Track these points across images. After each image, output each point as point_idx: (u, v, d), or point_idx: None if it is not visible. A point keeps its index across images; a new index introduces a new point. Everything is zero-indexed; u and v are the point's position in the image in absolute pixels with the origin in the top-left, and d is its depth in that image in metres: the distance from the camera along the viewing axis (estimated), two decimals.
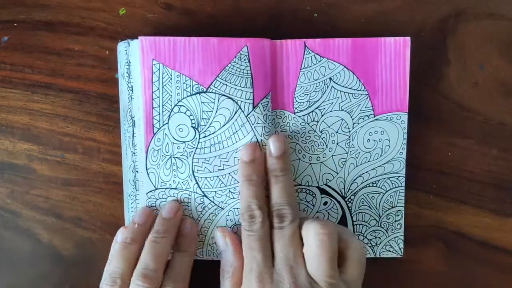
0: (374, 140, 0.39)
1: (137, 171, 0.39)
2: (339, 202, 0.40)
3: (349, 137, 0.39)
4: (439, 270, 0.41)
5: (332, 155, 0.39)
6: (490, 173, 0.40)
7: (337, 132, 0.39)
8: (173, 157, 0.38)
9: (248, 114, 0.38)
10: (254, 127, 0.38)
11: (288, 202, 0.36)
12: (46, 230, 0.40)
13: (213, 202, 0.39)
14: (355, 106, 0.39)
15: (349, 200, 0.40)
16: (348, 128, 0.39)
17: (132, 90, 0.38)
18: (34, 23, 0.39)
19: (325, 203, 0.40)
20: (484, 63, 0.40)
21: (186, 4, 0.39)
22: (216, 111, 0.38)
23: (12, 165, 0.40)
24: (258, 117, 0.38)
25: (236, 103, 0.38)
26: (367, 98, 0.39)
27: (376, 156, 0.39)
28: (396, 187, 0.39)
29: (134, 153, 0.39)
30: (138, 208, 0.39)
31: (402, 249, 0.40)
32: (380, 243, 0.40)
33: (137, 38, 0.38)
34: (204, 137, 0.38)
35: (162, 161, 0.38)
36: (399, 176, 0.39)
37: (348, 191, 0.40)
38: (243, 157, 0.37)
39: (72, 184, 0.40)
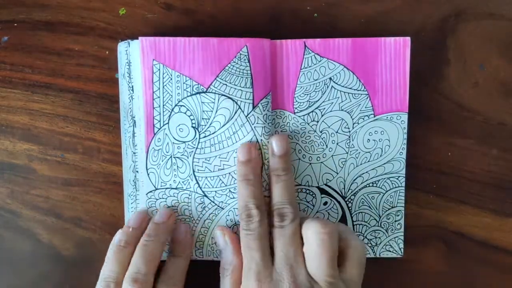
0: (374, 140, 0.39)
1: (137, 171, 0.39)
2: (339, 202, 0.40)
3: (349, 137, 0.39)
4: (439, 270, 0.41)
5: (332, 155, 0.39)
6: (490, 173, 0.40)
7: (337, 132, 0.39)
8: (174, 157, 0.38)
9: (248, 114, 0.38)
10: (254, 127, 0.38)
11: (289, 201, 0.36)
12: (46, 230, 0.40)
13: (213, 202, 0.39)
14: (355, 106, 0.39)
15: (349, 200, 0.40)
16: (348, 128, 0.39)
17: (132, 90, 0.38)
18: (34, 23, 0.39)
19: (325, 203, 0.40)
20: (484, 63, 0.40)
21: (186, 4, 0.39)
22: (216, 111, 0.38)
23: (12, 165, 0.40)
24: (258, 117, 0.38)
25: (236, 103, 0.38)
26: (367, 98, 0.39)
27: (376, 156, 0.39)
28: (396, 187, 0.39)
29: (134, 153, 0.39)
30: (138, 208, 0.39)
31: (402, 249, 0.40)
32: (380, 243, 0.40)
33: (137, 38, 0.38)
34: (204, 137, 0.38)
35: (162, 161, 0.38)
36: (399, 176, 0.39)
37: (348, 191, 0.40)
38: (240, 157, 0.37)
39: (72, 184, 0.40)
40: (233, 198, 0.39)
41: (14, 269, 0.40)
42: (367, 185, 0.39)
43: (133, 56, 0.38)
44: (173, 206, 0.39)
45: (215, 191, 0.39)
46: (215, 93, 0.38)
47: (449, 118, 0.40)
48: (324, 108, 0.39)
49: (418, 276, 0.41)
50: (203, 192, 0.39)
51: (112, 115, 0.40)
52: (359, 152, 0.39)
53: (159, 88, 0.38)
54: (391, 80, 0.38)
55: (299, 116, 0.39)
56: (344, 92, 0.39)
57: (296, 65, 0.38)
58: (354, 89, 0.39)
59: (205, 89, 0.38)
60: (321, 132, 0.39)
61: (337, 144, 0.39)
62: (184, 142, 0.38)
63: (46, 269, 0.41)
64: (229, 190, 0.39)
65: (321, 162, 0.39)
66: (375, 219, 0.40)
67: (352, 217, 0.40)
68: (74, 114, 0.40)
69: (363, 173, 0.39)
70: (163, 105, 0.38)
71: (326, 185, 0.39)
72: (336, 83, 0.39)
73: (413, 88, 0.39)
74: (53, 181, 0.40)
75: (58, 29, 0.39)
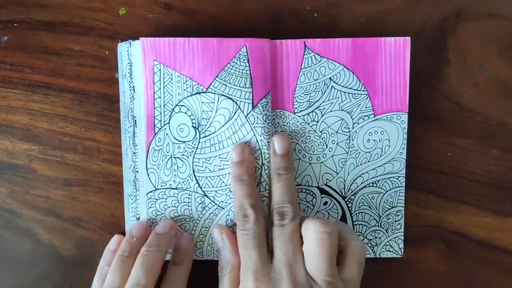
0: (374, 140, 0.39)
1: (137, 171, 0.39)
2: (339, 202, 0.40)
3: (349, 137, 0.39)
4: (439, 270, 0.41)
5: (332, 155, 0.39)
6: (490, 173, 0.40)
7: (337, 132, 0.39)
8: (174, 157, 0.38)
9: (247, 114, 0.38)
10: (254, 127, 0.38)
11: (290, 200, 0.36)
12: (46, 230, 0.40)
13: (213, 201, 0.39)
14: (355, 106, 0.39)
15: (349, 200, 0.40)
16: (348, 128, 0.39)
17: (134, 90, 0.38)
18: (34, 23, 0.39)
19: (325, 203, 0.40)
20: (484, 63, 0.40)
21: (186, 4, 0.39)
22: (216, 111, 0.38)
23: (12, 165, 0.40)
24: (257, 117, 0.38)
25: (236, 103, 0.38)
26: (367, 98, 0.39)
27: (376, 156, 0.39)
28: (396, 187, 0.39)
29: (134, 153, 0.39)
30: (138, 208, 0.39)
31: (402, 249, 0.40)
32: (380, 243, 0.40)
33: (137, 38, 0.38)
34: (205, 137, 0.38)
35: (162, 161, 0.38)
36: (399, 176, 0.39)
37: (348, 191, 0.40)
38: (233, 158, 0.38)
39: (72, 184, 0.40)
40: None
41: (14, 269, 0.40)
42: (367, 185, 0.39)
43: (135, 56, 0.38)
44: (173, 206, 0.39)
45: (215, 191, 0.39)
46: (214, 93, 0.38)
47: (449, 118, 0.40)
48: (324, 108, 0.39)
49: (418, 276, 0.41)
50: (203, 192, 0.39)
51: (112, 115, 0.40)
52: (359, 152, 0.39)
53: (160, 88, 0.38)
54: (391, 80, 0.38)
55: (299, 116, 0.39)
56: (344, 92, 0.39)
57: (296, 65, 0.38)
58: (354, 89, 0.39)
59: (205, 89, 0.38)
60: (321, 132, 0.39)
61: (337, 144, 0.39)
62: (185, 142, 0.38)
63: (46, 269, 0.41)
64: (229, 190, 0.39)
65: (321, 162, 0.39)
66: (375, 219, 0.40)
67: (352, 217, 0.40)
68: (74, 114, 0.40)
69: (363, 173, 0.39)
70: (164, 105, 0.38)
71: (326, 185, 0.39)
72: (336, 83, 0.39)
73: (413, 88, 0.39)
74: (53, 181, 0.40)
75: (58, 29, 0.39)
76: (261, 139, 0.38)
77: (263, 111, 0.38)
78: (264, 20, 0.39)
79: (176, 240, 0.39)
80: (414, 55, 0.38)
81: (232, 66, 0.37)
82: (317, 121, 0.39)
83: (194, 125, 0.38)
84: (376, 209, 0.40)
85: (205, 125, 0.38)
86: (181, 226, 0.39)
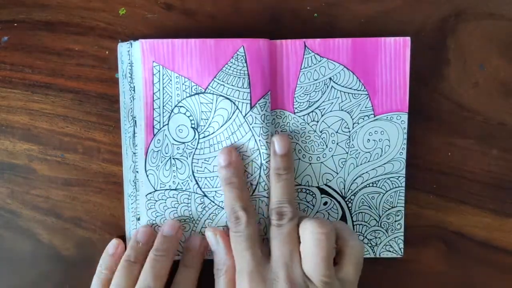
0: (374, 140, 0.39)
1: (137, 171, 0.39)
2: (339, 202, 0.40)
3: (349, 137, 0.39)
4: (439, 270, 0.41)
5: (332, 155, 0.39)
6: (490, 173, 0.40)
7: (337, 132, 0.39)
8: (173, 158, 0.38)
9: (245, 114, 0.38)
10: (252, 127, 0.38)
11: (288, 200, 0.36)
12: (46, 230, 0.40)
13: (213, 202, 0.39)
14: (355, 106, 0.39)
15: (349, 200, 0.40)
16: (348, 128, 0.39)
17: (134, 90, 0.38)
18: (34, 23, 0.39)
19: (325, 203, 0.40)
20: (484, 63, 0.40)
21: (186, 4, 0.39)
22: (215, 112, 0.38)
23: (12, 165, 0.40)
24: (255, 117, 0.38)
25: (234, 103, 0.38)
26: (367, 98, 0.39)
27: (376, 156, 0.39)
28: (396, 187, 0.39)
29: (134, 153, 0.39)
30: (138, 209, 0.39)
31: (402, 249, 0.40)
32: (380, 243, 0.40)
33: (137, 38, 0.38)
34: (204, 137, 0.38)
35: (161, 162, 0.38)
36: (399, 176, 0.39)
37: (348, 191, 0.40)
38: (220, 162, 0.38)
39: (72, 184, 0.40)
40: None
41: (14, 269, 0.41)
42: (367, 185, 0.39)
43: (135, 57, 0.38)
44: (173, 207, 0.39)
45: (215, 191, 0.39)
46: (213, 93, 0.38)
47: (449, 118, 0.40)
48: (324, 108, 0.39)
49: (418, 276, 0.41)
50: (203, 192, 0.39)
51: (112, 115, 0.40)
52: (359, 152, 0.39)
53: (159, 90, 0.38)
54: (391, 80, 0.38)
55: (299, 116, 0.39)
56: (344, 92, 0.39)
57: (296, 65, 0.38)
58: (354, 89, 0.39)
59: (203, 90, 0.38)
60: (321, 132, 0.39)
61: (337, 144, 0.39)
62: (184, 142, 0.38)
63: (46, 269, 0.41)
64: None
65: (321, 162, 0.39)
66: (375, 219, 0.40)
67: (352, 217, 0.40)
68: (74, 114, 0.40)
69: (363, 173, 0.39)
70: (163, 106, 0.38)
71: (326, 185, 0.39)
72: (336, 83, 0.38)
73: (413, 88, 0.39)
74: (53, 181, 0.40)
75: (58, 29, 0.39)
76: (259, 139, 0.38)
77: (262, 111, 0.38)
78: (264, 20, 0.39)
79: (188, 242, 0.39)
80: (414, 55, 0.38)
81: (230, 66, 0.37)
82: (317, 121, 0.39)
83: (193, 125, 0.38)
84: (376, 209, 0.40)
85: (204, 126, 0.38)
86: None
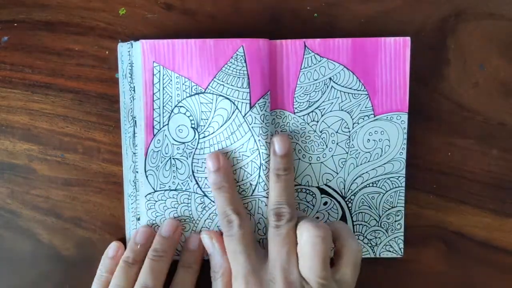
0: (374, 140, 0.39)
1: (137, 172, 0.39)
2: (339, 202, 0.40)
3: (349, 137, 0.39)
4: (439, 270, 0.41)
5: (332, 155, 0.39)
6: (490, 173, 0.40)
7: (337, 132, 0.39)
8: (173, 158, 0.38)
9: (245, 114, 0.38)
10: (252, 127, 0.38)
11: (287, 201, 0.36)
12: (46, 230, 0.40)
13: (213, 202, 0.39)
14: (355, 106, 0.39)
15: (349, 200, 0.40)
16: (348, 128, 0.39)
17: (134, 90, 0.38)
18: (34, 23, 0.39)
19: (325, 203, 0.40)
20: (484, 63, 0.40)
21: (186, 4, 0.39)
22: (215, 112, 0.38)
23: (12, 165, 0.40)
24: (255, 117, 0.38)
25: (234, 103, 0.38)
26: (367, 98, 0.39)
27: (376, 156, 0.39)
28: (396, 187, 0.39)
29: (134, 153, 0.39)
30: (138, 209, 0.39)
31: (402, 249, 0.40)
32: (380, 243, 0.40)
33: (138, 38, 0.38)
34: (204, 137, 0.38)
35: (161, 162, 0.38)
36: (399, 176, 0.39)
37: (348, 191, 0.40)
38: (209, 167, 0.37)
39: (72, 184, 0.40)
40: None
41: (14, 269, 0.41)
42: (367, 185, 0.39)
43: (135, 57, 0.38)
44: (173, 207, 0.39)
45: None
46: (213, 93, 0.38)
47: (449, 118, 0.40)
48: (324, 108, 0.39)
49: (418, 276, 0.41)
50: (203, 192, 0.39)
51: (112, 115, 0.40)
52: (359, 152, 0.39)
53: (159, 90, 0.38)
54: (391, 80, 0.38)
55: (299, 116, 0.39)
56: (344, 92, 0.39)
57: (296, 65, 0.38)
58: (354, 89, 0.39)
59: (203, 90, 0.38)
60: (321, 132, 0.39)
61: (337, 144, 0.39)
62: (184, 142, 0.38)
63: (46, 269, 0.41)
64: None
65: (321, 162, 0.39)
66: (375, 219, 0.40)
67: (352, 217, 0.40)
68: (74, 114, 0.40)
69: (363, 173, 0.39)
70: (163, 106, 0.38)
71: (326, 185, 0.39)
72: (336, 83, 0.38)
73: (413, 88, 0.39)
74: (53, 181, 0.40)
75: (58, 29, 0.39)
76: (259, 139, 0.38)
77: (261, 111, 0.38)
78: (264, 20, 0.39)
79: (187, 242, 0.39)
80: (414, 55, 0.38)
81: (229, 66, 0.37)
82: (317, 121, 0.39)
83: (193, 125, 0.38)
84: (376, 209, 0.40)
85: (204, 126, 0.38)
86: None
